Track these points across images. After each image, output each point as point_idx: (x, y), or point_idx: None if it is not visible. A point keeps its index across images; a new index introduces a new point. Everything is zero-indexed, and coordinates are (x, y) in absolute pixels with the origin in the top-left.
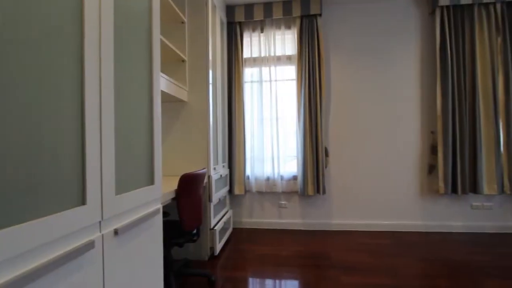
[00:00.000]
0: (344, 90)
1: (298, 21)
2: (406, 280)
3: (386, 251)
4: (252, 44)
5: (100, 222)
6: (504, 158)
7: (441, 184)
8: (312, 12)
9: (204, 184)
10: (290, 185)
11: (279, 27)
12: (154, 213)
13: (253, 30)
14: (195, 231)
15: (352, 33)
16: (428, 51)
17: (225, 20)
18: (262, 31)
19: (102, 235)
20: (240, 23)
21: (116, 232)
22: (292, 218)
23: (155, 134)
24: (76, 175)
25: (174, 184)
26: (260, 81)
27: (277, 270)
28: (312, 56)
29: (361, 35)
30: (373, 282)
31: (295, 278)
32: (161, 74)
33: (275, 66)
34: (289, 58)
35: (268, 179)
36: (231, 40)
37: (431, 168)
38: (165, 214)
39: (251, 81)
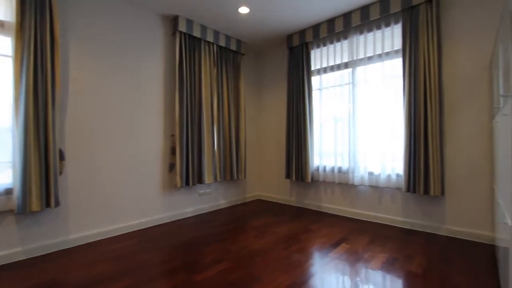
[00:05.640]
0: (88, 87)
1: None
2: (147, 273)
3: (133, 251)
4: None
5: None
6: (216, 156)
7: (178, 179)
8: None
9: None
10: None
11: None
12: None
13: None
14: None
15: (100, 30)
16: (170, 66)
17: None
18: None
19: None
20: None
21: None
22: (3, 249)
23: None
24: None
25: None
26: None
27: None
28: (42, 34)
29: (108, 34)
30: None
31: None
32: None
33: None
34: (1, 25)
35: None
36: None
37: (171, 167)
38: None
39: None
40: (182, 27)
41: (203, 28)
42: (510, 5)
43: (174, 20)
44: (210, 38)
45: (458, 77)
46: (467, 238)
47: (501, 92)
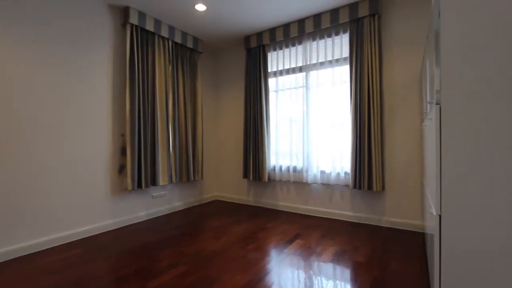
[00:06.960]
0: (18, 79)
1: None
2: (94, 283)
3: (77, 261)
4: None
5: None
6: (172, 156)
7: (129, 181)
8: None
9: None
10: None
11: None
12: None
13: None
14: None
15: (36, 13)
16: (119, 59)
17: None
18: None
19: None
20: None
21: None
22: None
23: None
24: None
25: None
26: None
27: None
28: None
29: (45, 19)
30: None
31: None
32: None
33: None
34: None
35: None
36: None
37: (121, 168)
38: None
39: None
40: (134, 19)
41: (157, 22)
42: (434, 25)
43: (125, 11)
44: (164, 33)
45: (395, 84)
46: (404, 228)
47: (428, 99)
